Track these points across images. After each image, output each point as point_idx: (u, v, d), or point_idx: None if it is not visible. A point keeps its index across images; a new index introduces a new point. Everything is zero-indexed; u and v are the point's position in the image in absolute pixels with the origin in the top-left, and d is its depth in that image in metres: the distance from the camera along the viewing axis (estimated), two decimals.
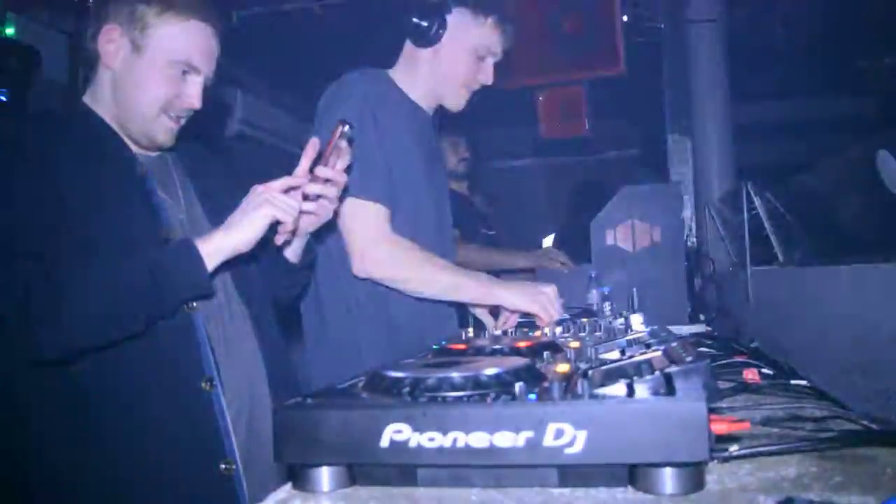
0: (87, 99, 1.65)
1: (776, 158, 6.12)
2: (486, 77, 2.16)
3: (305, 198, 1.58)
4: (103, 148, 1.59)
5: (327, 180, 1.59)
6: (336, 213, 1.74)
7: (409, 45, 2.18)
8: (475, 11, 2.09)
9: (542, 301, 1.98)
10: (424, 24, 2.07)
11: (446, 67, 2.13)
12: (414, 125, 2.14)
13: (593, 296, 2.85)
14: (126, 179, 1.58)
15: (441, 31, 2.08)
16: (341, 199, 1.69)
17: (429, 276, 2.01)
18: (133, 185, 1.59)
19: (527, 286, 2.08)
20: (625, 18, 4.59)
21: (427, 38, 2.09)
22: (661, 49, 5.05)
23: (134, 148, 1.65)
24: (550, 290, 2.02)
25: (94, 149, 1.57)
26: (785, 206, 2.74)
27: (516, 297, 2.01)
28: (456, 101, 2.19)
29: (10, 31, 4.01)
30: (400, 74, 2.19)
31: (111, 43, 1.58)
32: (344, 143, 1.59)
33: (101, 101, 1.63)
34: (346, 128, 1.58)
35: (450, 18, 2.08)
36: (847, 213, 2.56)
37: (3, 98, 3.52)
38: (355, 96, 2.00)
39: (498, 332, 1.76)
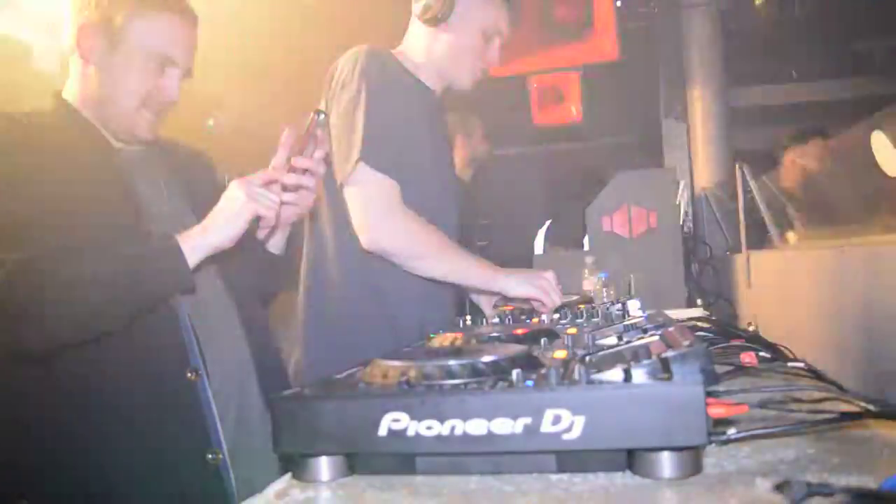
0: (66, 94, 1.65)
1: (772, 142, 6.12)
2: (494, 58, 2.16)
3: (284, 189, 1.59)
4: (84, 143, 1.59)
5: (305, 170, 1.60)
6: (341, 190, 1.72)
7: (415, 25, 2.17)
8: None
9: (543, 286, 1.99)
10: (433, 2, 2.06)
11: (455, 47, 2.12)
12: (420, 105, 2.12)
13: (590, 282, 2.85)
14: (109, 174, 1.58)
15: (450, 10, 2.07)
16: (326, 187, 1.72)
17: (437, 254, 2.00)
18: (116, 179, 1.59)
19: (528, 273, 2.09)
20: (618, 4, 4.57)
21: (436, 17, 2.08)
22: (655, 34, 5.03)
23: (116, 143, 1.65)
24: (550, 276, 2.03)
25: (76, 145, 1.57)
26: (780, 190, 2.75)
27: (517, 283, 2.01)
28: (465, 81, 2.17)
29: None
30: (407, 54, 2.17)
31: (87, 38, 1.58)
32: (320, 132, 1.60)
33: (80, 97, 1.63)
34: (321, 116, 1.59)
35: None
36: (842, 194, 2.57)
37: None
38: (362, 72, 1.98)
39: (496, 320, 1.76)
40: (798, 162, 3.39)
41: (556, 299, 1.97)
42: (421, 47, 2.16)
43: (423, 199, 2.07)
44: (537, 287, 1.99)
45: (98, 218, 1.49)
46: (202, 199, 1.68)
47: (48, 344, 1.39)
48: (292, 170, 1.58)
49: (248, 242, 1.66)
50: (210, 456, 1.51)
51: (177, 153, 1.82)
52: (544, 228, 4.89)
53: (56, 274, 1.36)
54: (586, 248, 3.48)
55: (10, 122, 1.54)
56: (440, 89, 2.22)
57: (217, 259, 1.56)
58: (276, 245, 1.78)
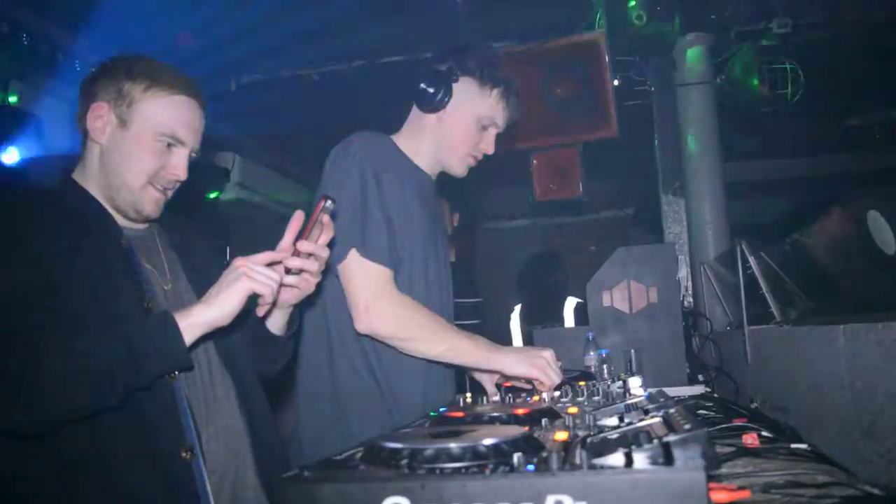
0: (76, 175, 1.69)
1: (769, 217, 6.18)
2: (488, 147, 2.21)
3: (288, 271, 1.60)
4: (90, 221, 1.62)
5: (310, 254, 1.61)
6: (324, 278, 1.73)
7: (414, 112, 2.23)
8: (482, 82, 2.15)
9: (540, 365, 1.97)
10: (431, 90, 2.12)
11: (450, 134, 2.17)
12: (417, 188, 2.16)
13: (591, 358, 2.84)
14: (111, 251, 1.61)
15: (447, 99, 2.13)
16: (324, 273, 1.70)
17: (431, 336, 1.99)
18: (118, 256, 1.61)
19: (525, 351, 2.08)
20: (616, 82, 4.68)
21: (433, 104, 2.13)
22: (652, 111, 5.13)
23: (121, 221, 1.68)
24: (548, 354, 2.01)
25: (81, 223, 1.60)
26: (780, 266, 2.76)
27: (515, 362, 2.00)
28: (458, 168, 2.23)
29: (12, 98, 4.10)
30: (403, 139, 2.22)
31: (99, 119, 1.64)
32: (326, 218, 1.61)
33: (89, 175, 1.67)
34: (329, 203, 1.59)
35: (456, 87, 2.14)
36: (841, 271, 2.58)
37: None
38: (359, 157, 2.02)
39: (496, 398, 1.75)
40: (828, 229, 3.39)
41: (555, 378, 1.96)
42: (418, 134, 2.21)
43: (420, 281, 2.10)
44: (535, 366, 1.97)
45: (99, 294, 1.51)
46: (202, 277, 1.70)
47: (40, 424, 1.38)
48: (296, 253, 1.59)
49: (248, 320, 1.67)
50: None
51: (178, 230, 1.86)
52: (517, 310, 4.91)
53: (49, 350, 1.36)
54: (568, 320, 3.50)
55: (18, 202, 1.57)
56: (435, 174, 2.28)
57: (215, 335, 1.56)
58: (275, 325, 1.78)
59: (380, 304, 1.95)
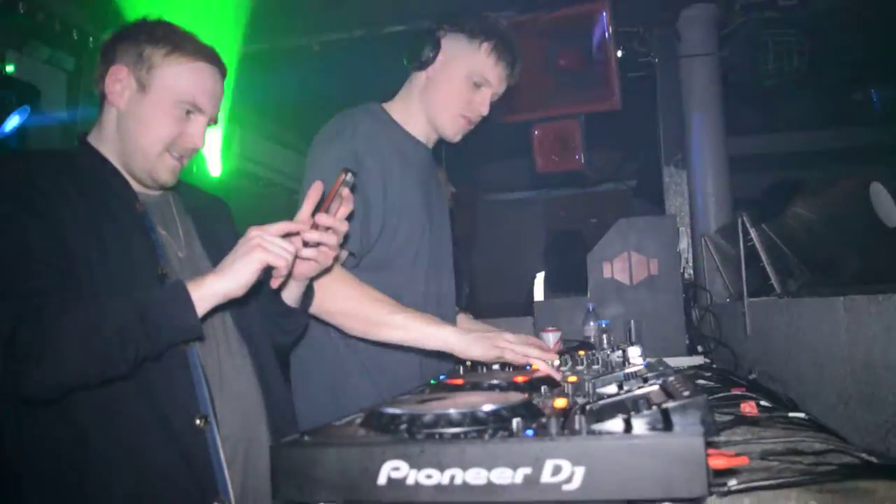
0: (91, 138, 1.67)
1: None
2: (482, 106, 2.12)
3: (305, 244, 1.56)
4: (105, 186, 1.60)
5: (328, 228, 1.58)
6: None
7: (407, 79, 2.19)
8: (471, 36, 2.09)
9: (503, 346, 1.76)
10: (417, 44, 2.09)
11: (440, 92, 2.11)
12: (409, 160, 2.11)
13: (591, 328, 2.85)
14: (126, 216, 1.59)
15: (433, 53, 2.08)
16: (342, 245, 1.65)
17: (358, 311, 1.87)
18: (133, 222, 1.59)
19: (484, 335, 1.84)
20: (619, 54, 4.64)
21: (420, 61, 2.09)
22: (656, 83, 5.10)
23: (136, 187, 1.66)
24: (509, 336, 1.81)
25: (97, 187, 1.57)
26: (781, 238, 2.75)
27: (470, 344, 1.80)
28: (451, 129, 2.15)
29: (9, 68, 4.06)
30: (396, 106, 2.18)
31: (118, 83, 1.60)
32: (346, 191, 1.58)
33: (105, 139, 1.65)
34: (349, 175, 1.56)
35: (445, 42, 2.10)
36: (842, 244, 2.57)
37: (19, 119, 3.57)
38: (340, 137, 1.98)
39: (496, 366, 1.75)
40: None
41: (530, 351, 1.74)
42: (409, 96, 2.17)
43: (414, 251, 2.06)
44: (494, 348, 1.76)
45: (113, 259, 1.49)
46: (218, 245, 1.68)
47: (51, 389, 1.37)
48: (315, 226, 1.56)
49: (264, 291, 1.65)
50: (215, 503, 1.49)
51: (194, 198, 1.84)
52: (541, 277, 4.93)
53: (63, 315, 1.35)
54: (587, 294, 3.49)
55: (33, 165, 1.55)
56: (431, 142, 2.23)
57: (232, 306, 1.54)
58: (290, 297, 1.73)
59: (326, 282, 1.83)
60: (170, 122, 1.61)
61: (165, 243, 1.64)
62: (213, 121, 1.69)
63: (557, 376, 1.50)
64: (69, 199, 1.49)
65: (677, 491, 0.75)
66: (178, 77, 1.61)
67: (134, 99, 1.61)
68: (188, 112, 1.63)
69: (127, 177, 1.65)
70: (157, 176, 1.64)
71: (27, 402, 1.39)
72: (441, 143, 2.25)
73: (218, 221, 1.85)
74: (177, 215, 1.74)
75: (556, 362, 1.67)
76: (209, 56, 1.66)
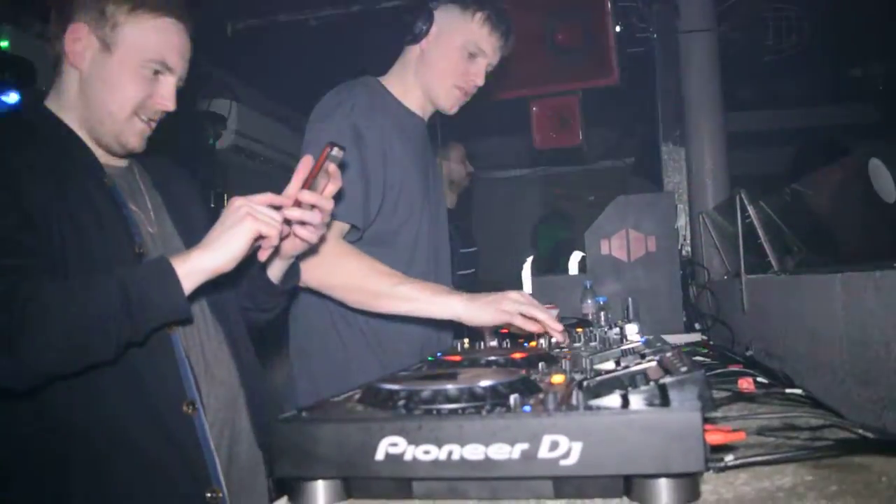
0: (50, 103, 1.55)
1: (770, 167, 6.16)
2: (477, 77, 2.13)
3: (287, 223, 1.47)
4: (70, 157, 1.49)
5: (312, 206, 1.48)
6: None
7: (403, 53, 2.18)
8: (463, 6, 2.09)
9: (509, 309, 1.79)
10: (411, 17, 2.08)
11: (434, 64, 2.11)
12: (407, 133, 2.11)
13: (588, 305, 2.85)
14: (97, 191, 1.48)
15: (426, 26, 2.08)
16: (329, 223, 1.59)
17: (363, 284, 1.86)
18: (104, 196, 1.49)
19: (488, 298, 1.85)
20: (617, 29, 4.61)
21: (413, 34, 2.09)
22: (654, 59, 5.07)
23: (101, 157, 1.56)
24: (515, 294, 1.83)
25: (60, 158, 1.46)
26: (779, 215, 2.75)
27: (478, 311, 1.82)
28: (446, 101, 2.15)
29: (4, 43, 4.02)
30: (393, 79, 2.17)
31: (77, 42, 1.49)
32: (333, 167, 1.48)
33: (66, 105, 1.53)
34: (335, 150, 1.44)
35: (438, 13, 2.09)
36: (840, 221, 2.57)
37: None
38: (339, 110, 1.96)
39: (494, 343, 1.75)
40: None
41: (539, 313, 1.77)
42: (404, 70, 2.16)
43: (413, 231, 2.06)
44: (502, 311, 1.79)
45: (88, 238, 1.40)
46: (188, 221, 1.61)
47: (29, 378, 1.27)
48: (298, 203, 1.46)
49: (247, 267, 1.54)
50: (209, 495, 1.44)
51: (159, 171, 1.72)
52: (529, 262, 4.95)
53: (38, 295, 1.24)
54: (573, 271, 3.51)
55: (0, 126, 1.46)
56: (427, 115, 2.22)
57: (207, 287, 1.41)
58: (273, 275, 1.66)
59: (327, 256, 1.83)
60: (138, 84, 1.51)
61: (138, 219, 1.54)
62: (181, 81, 1.59)
63: (559, 336, 1.51)
64: (35, 173, 1.39)
65: (674, 466, 0.75)
66: (145, 35, 1.50)
67: (97, 60, 1.50)
68: (156, 72, 1.53)
69: (91, 146, 1.54)
70: (124, 141, 1.54)
71: (4, 394, 1.28)
72: (436, 124, 2.24)
73: (188, 196, 1.75)
74: (144, 189, 1.63)
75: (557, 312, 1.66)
76: (177, 11, 1.54)
